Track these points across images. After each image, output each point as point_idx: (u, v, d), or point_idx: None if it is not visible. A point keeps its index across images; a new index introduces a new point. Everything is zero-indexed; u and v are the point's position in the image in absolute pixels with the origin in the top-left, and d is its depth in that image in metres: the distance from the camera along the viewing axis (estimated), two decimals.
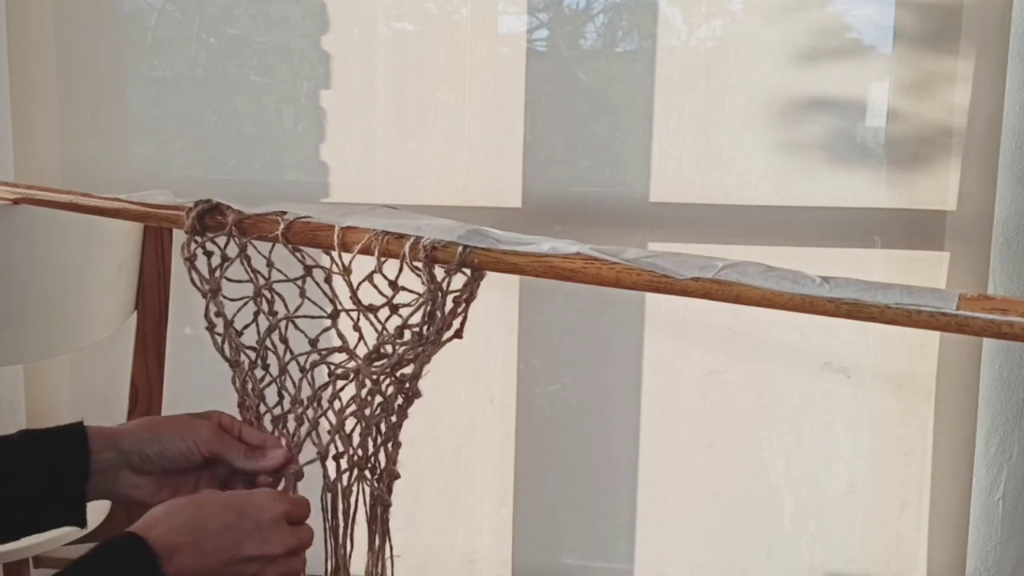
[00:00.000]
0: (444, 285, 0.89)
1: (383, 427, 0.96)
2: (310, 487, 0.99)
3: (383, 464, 0.97)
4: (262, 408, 1.00)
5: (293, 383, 0.99)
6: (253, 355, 1.00)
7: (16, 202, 1.17)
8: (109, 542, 0.80)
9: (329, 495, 0.97)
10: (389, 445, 0.96)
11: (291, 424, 0.99)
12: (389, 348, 0.93)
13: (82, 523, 0.91)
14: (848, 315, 0.75)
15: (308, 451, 0.99)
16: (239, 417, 1.01)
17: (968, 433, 1.72)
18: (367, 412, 0.94)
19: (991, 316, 0.71)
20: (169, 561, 0.79)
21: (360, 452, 0.96)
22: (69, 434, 0.91)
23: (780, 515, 1.90)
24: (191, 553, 0.80)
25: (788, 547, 1.90)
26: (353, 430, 0.96)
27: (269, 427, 1.00)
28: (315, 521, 0.99)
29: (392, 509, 0.99)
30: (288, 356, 0.99)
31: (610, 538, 1.96)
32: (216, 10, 1.94)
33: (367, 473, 0.96)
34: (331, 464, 0.98)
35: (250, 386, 1.00)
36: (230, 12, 1.95)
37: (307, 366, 0.98)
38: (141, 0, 1.96)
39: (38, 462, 0.89)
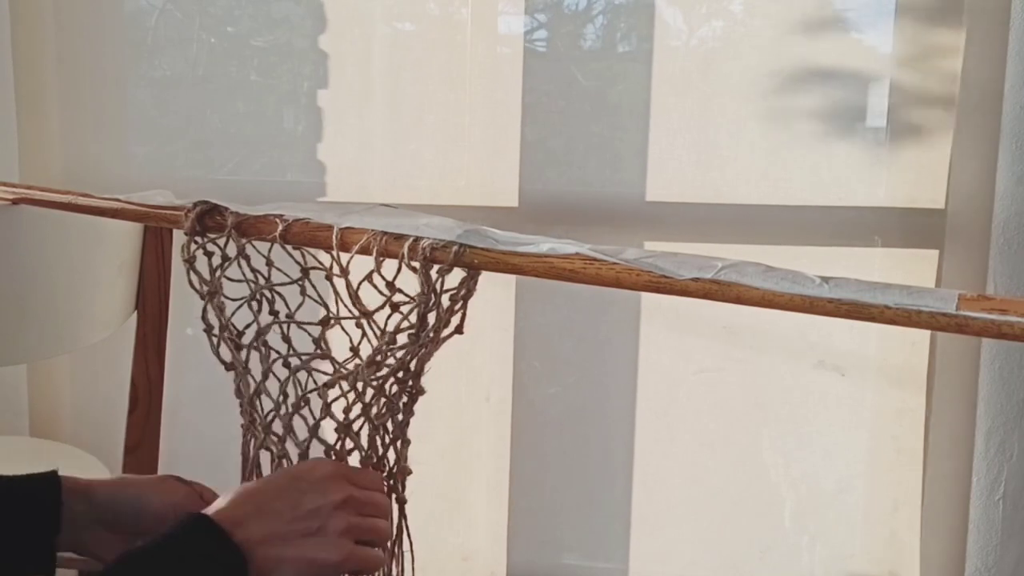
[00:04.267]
0: (437, 286, 0.89)
1: (390, 426, 0.96)
2: None
3: (392, 462, 0.97)
4: (255, 414, 1.00)
5: (299, 386, 0.99)
6: (246, 357, 1.00)
7: (16, 202, 1.17)
8: (174, 526, 0.79)
9: None
10: (398, 443, 0.96)
11: (286, 428, 0.99)
12: (382, 356, 0.93)
13: (51, 573, 0.89)
14: (848, 315, 0.75)
15: (314, 451, 0.99)
16: (240, 418, 1.01)
17: (966, 433, 1.72)
18: (372, 413, 0.95)
19: (991, 316, 0.71)
20: (236, 530, 0.78)
21: (370, 451, 0.96)
22: (42, 484, 0.89)
23: (777, 513, 1.90)
24: (256, 519, 0.79)
25: (785, 545, 1.90)
26: (360, 430, 0.96)
27: (262, 434, 1.00)
28: None
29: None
30: (271, 360, 0.99)
31: (606, 537, 1.96)
32: (217, 10, 1.94)
33: (380, 471, 0.97)
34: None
35: (247, 390, 1.00)
36: (231, 12, 1.95)
37: (299, 368, 0.98)
38: (142, 0, 1.97)
39: (8, 513, 0.87)
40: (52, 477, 0.89)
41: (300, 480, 0.84)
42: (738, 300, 0.79)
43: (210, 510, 0.80)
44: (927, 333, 1.75)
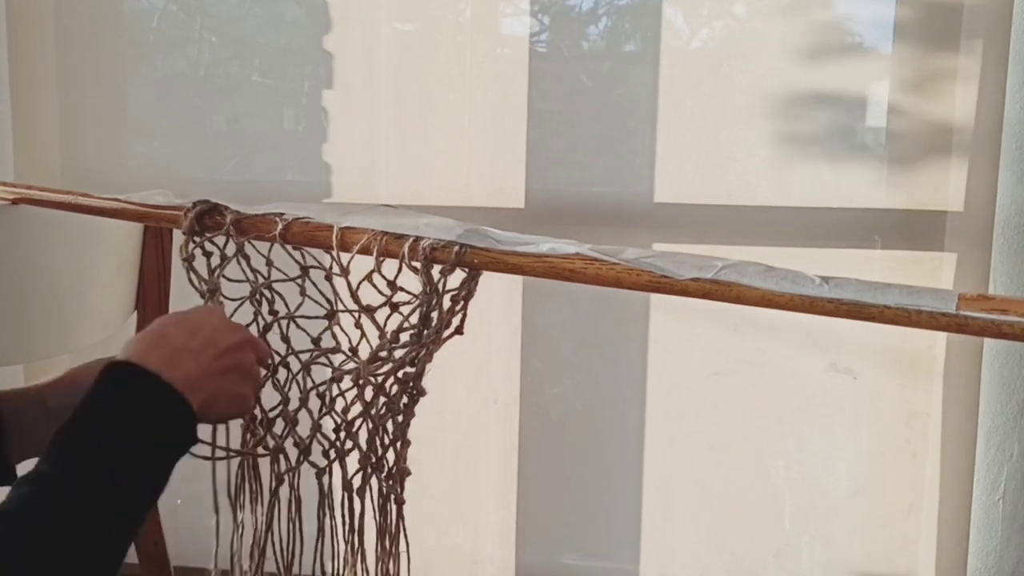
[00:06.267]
0: (440, 286, 0.89)
1: (390, 426, 0.96)
2: (306, 490, 0.99)
3: (392, 462, 0.97)
4: (256, 410, 1.00)
5: (299, 384, 0.99)
6: None
7: (16, 202, 1.17)
8: (103, 383, 0.78)
9: (344, 493, 0.98)
10: (398, 444, 0.97)
11: (287, 425, 0.99)
12: (386, 352, 0.93)
13: (9, 481, 0.90)
14: (848, 315, 0.76)
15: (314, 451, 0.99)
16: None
17: (969, 433, 1.71)
18: (373, 412, 0.95)
19: (991, 316, 0.71)
20: (167, 371, 0.79)
21: (369, 451, 0.96)
22: None
23: (784, 517, 1.89)
24: (183, 358, 0.80)
25: (792, 549, 1.90)
26: (359, 429, 0.96)
27: (261, 431, 1.00)
28: (311, 521, 0.99)
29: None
30: (280, 357, 0.99)
31: (613, 539, 1.96)
32: (218, 10, 1.94)
33: (379, 472, 0.97)
34: (336, 464, 0.98)
35: None
36: (232, 12, 1.95)
37: (302, 367, 0.98)
38: (143, 0, 1.97)
39: None
40: None
41: (205, 324, 0.85)
42: (738, 300, 0.79)
43: (131, 356, 0.79)
44: (941, 337, 1.75)
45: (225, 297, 1.00)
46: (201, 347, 0.82)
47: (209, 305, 0.93)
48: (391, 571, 1.00)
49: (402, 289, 0.92)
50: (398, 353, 0.92)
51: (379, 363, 0.93)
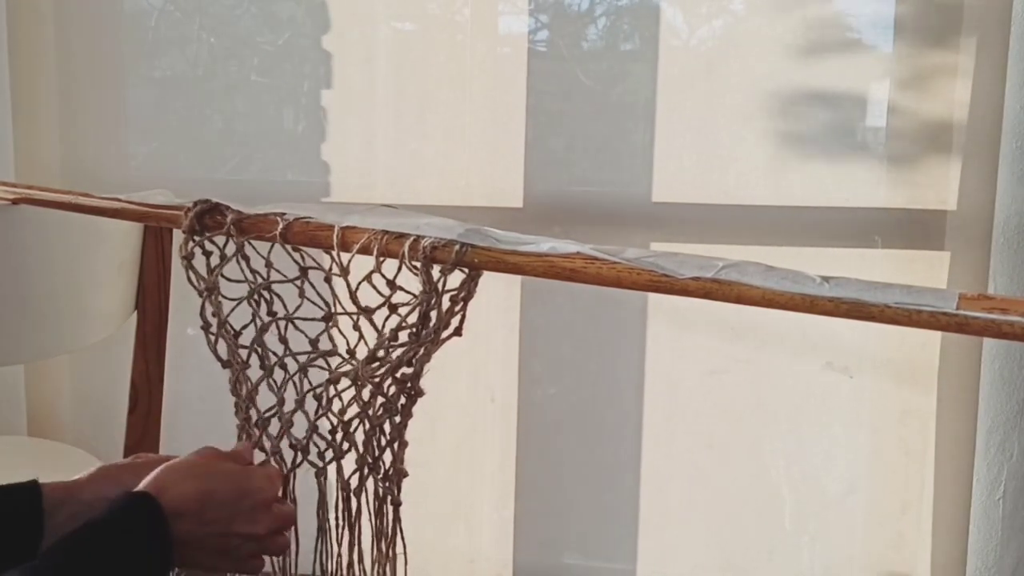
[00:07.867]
0: (439, 285, 0.89)
1: (387, 427, 0.96)
2: (303, 491, 0.99)
3: (389, 463, 0.97)
4: (251, 411, 0.99)
5: (296, 386, 0.99)
6: (245, 355, 0.99)
7: (16, 202, 1.17)
8: (123, 503, 0.82)
9: (341, 494, 0.98)
10: (395, 444, 0.96)
11: (282, 426, 0.99)
12: (384, 352, 0.93)
13: None
14: (848, 315, 0.76)
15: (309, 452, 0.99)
16: (234, 417, 1.01)
17: (968, 433, 1.71)
18: (370, 413, 0.94)
19: (991, 316, 0.71)
20: (175, 524, 0.83)
21: (366, 452, 0.96)
22: (24, 494, 0.89)
23: (781, 515, 1.90)
24: (195, 520, 0.84)
25: (789, 547, 1.90)
26: (356, 430, 0.96)
27: (256, 432, 1.00)
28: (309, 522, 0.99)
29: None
30: (276, 358, 0.99)
31: (611, 538, 1.96)
32: (217, 10, 1.94)
33: (375, 472, 0.97)
34: (333, 464, 0.98)
35: (243, 388, 0.99)
36: (231, 12, 1.95)
37: (299, 369, 0.98)
38: (142, 0, 1.96)
39: None
40: (33, 488, 0.89)
41: (244, 498, 0.88)
42: (739, 299, 0.79)
43: (162, 493, 0.84)
44: (937, 334, 1.75)
45: (224, 296, 0.99)
46: (219, 519, 0.86)
47: (267, 475, 0.93)
48: (388, 572, 1.00)
49: (401, 289, 0.91)
50: (396, 353, 0.92)
51: (377, 363, 0.93)
